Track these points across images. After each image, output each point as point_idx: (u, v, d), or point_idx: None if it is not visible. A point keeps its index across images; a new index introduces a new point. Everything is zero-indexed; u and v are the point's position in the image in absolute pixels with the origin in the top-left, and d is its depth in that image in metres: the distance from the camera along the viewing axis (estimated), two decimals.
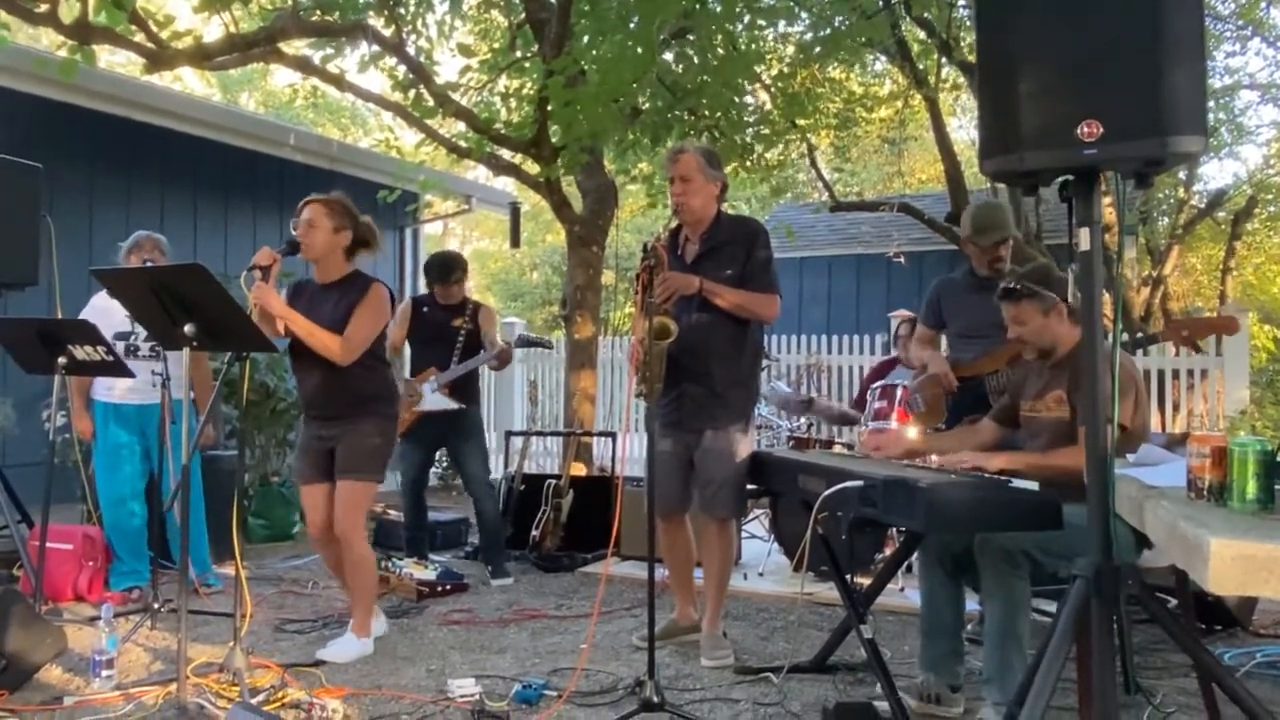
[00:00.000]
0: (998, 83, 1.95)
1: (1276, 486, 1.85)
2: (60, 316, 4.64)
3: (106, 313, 4.22)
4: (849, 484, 2.69)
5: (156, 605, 3.91)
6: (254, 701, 2.94)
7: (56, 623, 3.58)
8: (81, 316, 4.26)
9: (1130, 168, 1.91)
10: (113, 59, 14.62)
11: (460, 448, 5.04)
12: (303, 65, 6.64)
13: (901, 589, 4.50)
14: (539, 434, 8.16)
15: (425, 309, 5.11)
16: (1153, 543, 2.15)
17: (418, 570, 4.63)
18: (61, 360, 3.88)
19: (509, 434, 6.99)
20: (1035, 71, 1.90)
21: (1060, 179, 2.01)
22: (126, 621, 3.94)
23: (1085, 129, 1.85)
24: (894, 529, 4.52)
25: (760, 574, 5.00)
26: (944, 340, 4.31)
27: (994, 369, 3.79)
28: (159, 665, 3.48)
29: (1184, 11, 1.81)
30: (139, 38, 5.73)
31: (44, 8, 5.25)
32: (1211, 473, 1.89)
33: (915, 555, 3.54)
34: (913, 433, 4.21)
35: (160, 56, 5.80)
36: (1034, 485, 2.79)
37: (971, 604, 3.27)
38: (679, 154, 3.64)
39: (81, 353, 3.88)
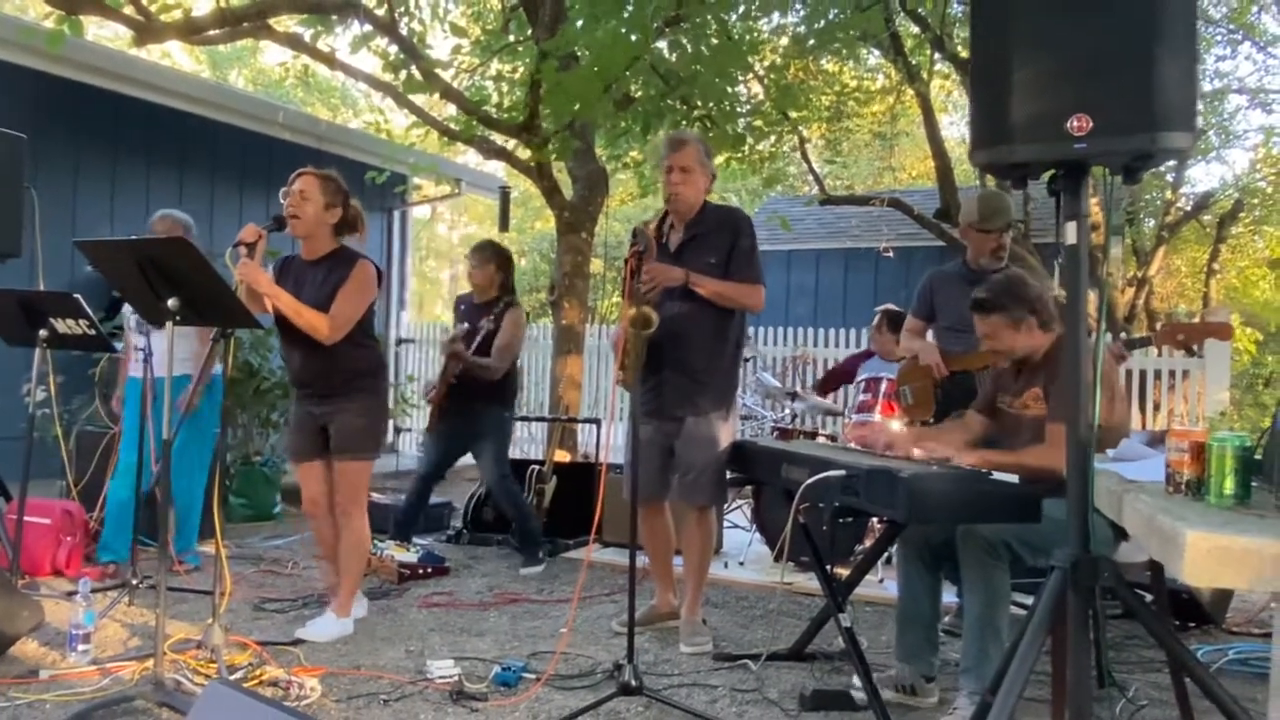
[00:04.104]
0: (990, 75, 1.96)
1: (1253, 483, 1.88)
2: (42, 289, 4.60)
3: None
4: (831, 473, 2.70)
5: (135, 581, 3.89)
6: (231, 678, 2.93)
7: (34, 597, 3.56)
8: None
9: (1119, 162, 1.92)
10: (100, 32, 14.46)
11: (475, 445, 4.99)
12: (293, 42, 6.58)
13: (881, 580, 4.53)
14: (524, 419, 8.15)
15: (462, 307, 5.09)
16: (1129, 535, 2.17)
17: (399, 552, 4.62)
18: (43, 333, 3.84)
19: None
20: (1028, 65, 1.91)
21: (1049, 173, 2.02)
22: (104, 597, 3.92)
23: (1075, 123, 1.86)
24: (874, 520, 4.55)
25: (741, 563, 5.02)
26: (930, 333, 4.32)
27: (984, 364, 3.80)
28: (136, 641, 3.47)
29: (1177, 8, 1.82)
30: (127, 10, 5.66)
31: None
32: (1190, 467, 1.91)
33: (894, 546, 3.57)
34: (897, 425, 4.23)
35: (149, 29, 5.74)
36: (1014, 478, 2.81)
37: (949, 596, 3.30)
38: (682, 144, 3.61)
39: (63, 325, 3.84)
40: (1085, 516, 1.99)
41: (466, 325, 4.90)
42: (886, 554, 4.25)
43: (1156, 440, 2.75)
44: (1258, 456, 1.92)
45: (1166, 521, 1.65)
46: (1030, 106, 1.89)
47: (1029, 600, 3.34)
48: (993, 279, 3.29)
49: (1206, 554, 1.51)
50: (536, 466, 5.58)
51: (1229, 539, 1.52)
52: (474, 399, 4.81)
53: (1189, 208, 13.24)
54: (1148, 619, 2.13)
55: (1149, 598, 3.13)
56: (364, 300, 3.57)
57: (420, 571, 4.57)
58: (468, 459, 5.16)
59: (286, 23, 7.06)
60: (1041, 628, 1.98)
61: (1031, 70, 1.90)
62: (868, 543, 4.73)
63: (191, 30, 5.98)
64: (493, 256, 4.95)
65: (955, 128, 17.13)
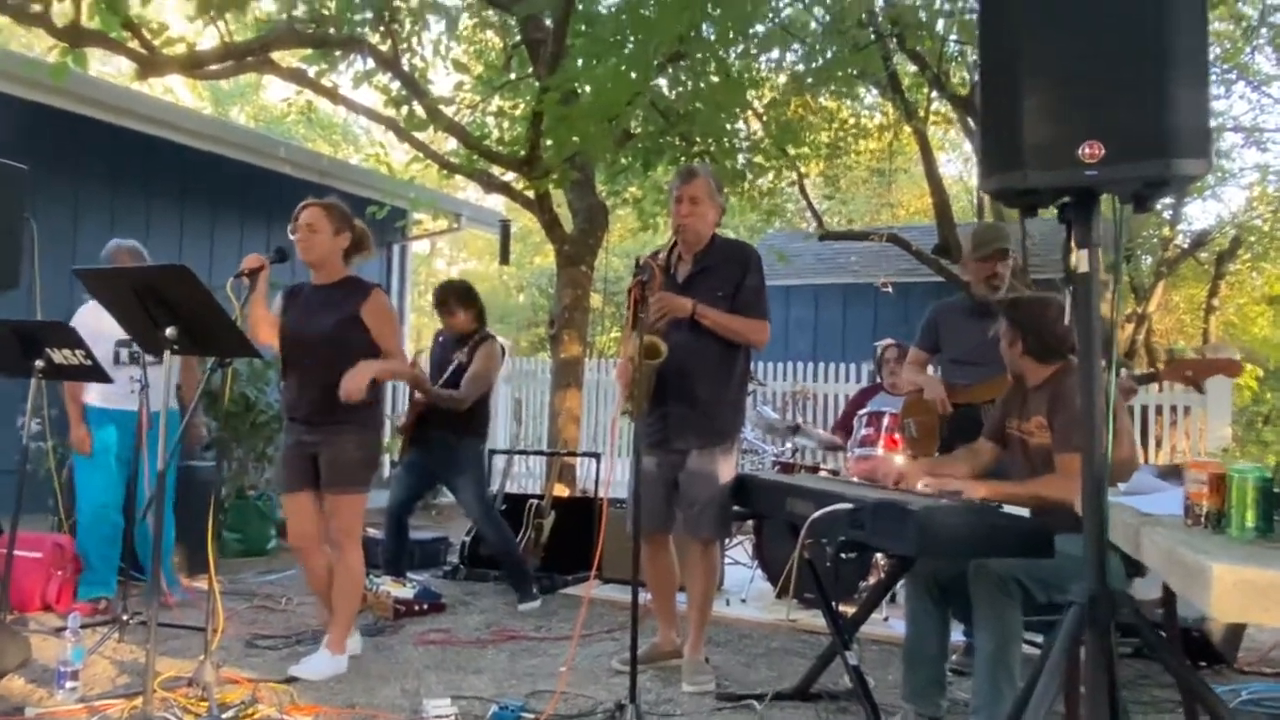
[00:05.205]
0: (1001, 101, 1.94)
1: (1275, 516, 1.83)
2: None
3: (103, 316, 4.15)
4: (839, 507, 2.66)
5: (125, 617, 3.81)
6: (223, 717, 2.86)
7: (22, 632, 3.48)
8: (75, 321, 4.17)
9: (1130, 189, 1.89)
10: (103, 69, 14.58)
11: (454, 482, 4.94)
12: (297, 76, 6.61)
13: (886, 618, 4.45)
14: (522, 453, 8.09)
15: (440, 338, 5.09)
16: (1145, 569, 2.12)
17: (395, 588, 4.54)
18: (39, 364, 3.80)
19: (492, 453, 6.93)
20: (1039, 90, 1.89)
21: (1059, 200, 1.99)
22: (94, 633, 3.84)
23: (1087, 150, 1.84)
24: (879, 557, 4.48)
25: (743, 600, 4.94)
26: (931, 367, 4.29)
27: (990, 398, 3.75)
28: (125, 678, 3.39)
29: (1189, 35, 1.81)
30: (132, 44, 5.69)
31: (36, 8, 5.21)
32: (1210, 499, 1.86)
33: (900, 583, 3.50)
34: (900, 459, 4.18)
35: (152, 63, 5.76)
36: (1025, 511, 2.76)
37: (956, 635, 3.23)
38: (692, 176, 3.62)
39: (60, 356, 3.80)
40: (1102, 550, 1.94)
41: (427, 359, 5.03)
42: (891, 592, 4.18)
43: (1168, 474, 2.71)
44: (1278, 490, 1.88)
45: (1189, 555, 1.60)
46: (1041, 132, 1.87)
47: (1040, 638, 3.29)
48: (1037, 293, 3.31)
49: (1233, 587, 1.46)
50: (535, 501, 5.52)
51: (1255, 572, 1.47)
52: (445, 430, 4.76)
53: (1186, 244, 13.30)
54: (1166, 656, 2.07)
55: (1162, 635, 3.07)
56: (396, 327, 3.65)
57: (416, 608, 4.49)
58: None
59: (289, 58, 7.10)
60: (1059, 665, 1.92)
61: (1042, 96, 1.88)
62: (872, 579, 4.65)
63: (194, 64, 6.01)
64: (457, 305, 4.90)
65: (953, 165, 17.28)
